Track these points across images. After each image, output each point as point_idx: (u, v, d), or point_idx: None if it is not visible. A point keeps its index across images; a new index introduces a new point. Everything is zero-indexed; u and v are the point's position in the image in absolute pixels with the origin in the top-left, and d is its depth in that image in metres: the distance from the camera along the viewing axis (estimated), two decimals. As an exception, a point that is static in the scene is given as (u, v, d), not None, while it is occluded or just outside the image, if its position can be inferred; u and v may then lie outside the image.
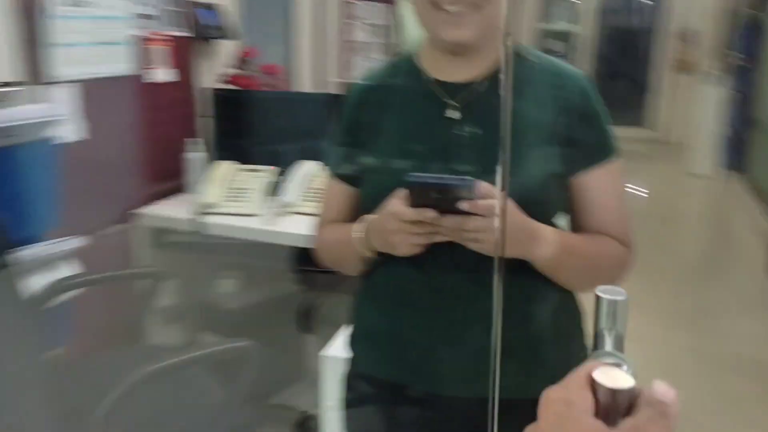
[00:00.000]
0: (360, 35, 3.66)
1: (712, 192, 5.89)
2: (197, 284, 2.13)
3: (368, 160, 1.04)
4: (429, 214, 0.86)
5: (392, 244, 0.92)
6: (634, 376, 0.50)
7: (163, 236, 2.04)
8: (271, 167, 2.11)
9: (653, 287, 3.71)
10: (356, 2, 3.55)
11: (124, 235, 1.97)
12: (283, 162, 2.15)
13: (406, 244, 0.91)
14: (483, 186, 0.86)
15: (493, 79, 0.99)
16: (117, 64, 1.87)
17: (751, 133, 5.48)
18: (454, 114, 0.98)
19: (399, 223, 0.89)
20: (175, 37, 2.12)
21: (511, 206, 0.89)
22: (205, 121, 2.27)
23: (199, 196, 2.00)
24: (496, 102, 0.97)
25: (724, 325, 3.31)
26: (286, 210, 1.99)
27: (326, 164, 1.13)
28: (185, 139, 2.15)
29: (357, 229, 1.00)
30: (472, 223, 0.86)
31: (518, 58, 1.01)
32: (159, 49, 2.05)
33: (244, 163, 2.14)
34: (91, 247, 1.75)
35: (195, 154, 2.15)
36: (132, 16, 1.93)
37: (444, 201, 0.86)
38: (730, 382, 2.76)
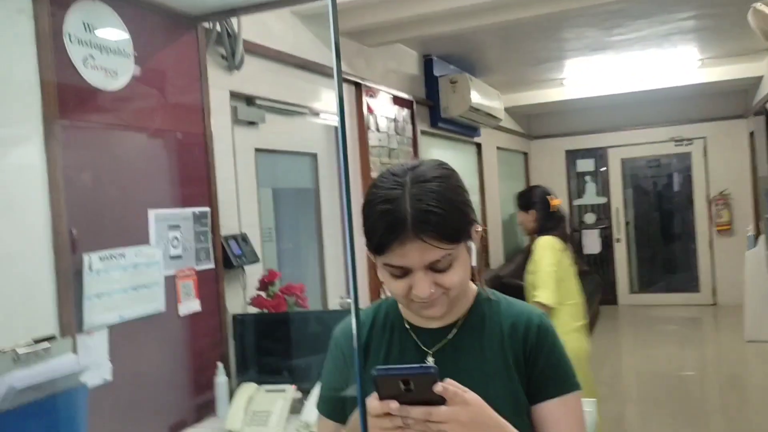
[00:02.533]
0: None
1: (775, 357, 5.59)
2: None
3: (353, 397, 1.12)
4: (393, 405, 0.89)
5: None
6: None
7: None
8: (293, 386, 2.18)
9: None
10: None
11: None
12: (304, 379, 2.22)
13: None
14: (449, 380, 0.92)
15: (461, 326, 1.12)
16: (148, 304, 2.06)
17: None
18: (429, 360, 1.10)
19: (371, 419, 0.92)
20: (201, 270, 2.32)
21: (481, 401, 0.94)
22: (232, 345, 2.40)
23: (222, 422, 2.06)
24: (465, 348, 1.08)
25: None
26: (309, 430, 2.02)
27: (317, 403, 1.21)
28: (216, 364, 2.27)
29: None
30: (437, 412, 0.89)
31: (483, 300, 1.15)
32: (187, 284, 2.24)
33: (268, 383, 2.22)
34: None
35: (221, 378, 2.25)
36: (165, 259, 2.15)
37: (410, 392, 0.90)
38: None
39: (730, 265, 7.26)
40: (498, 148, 6.96)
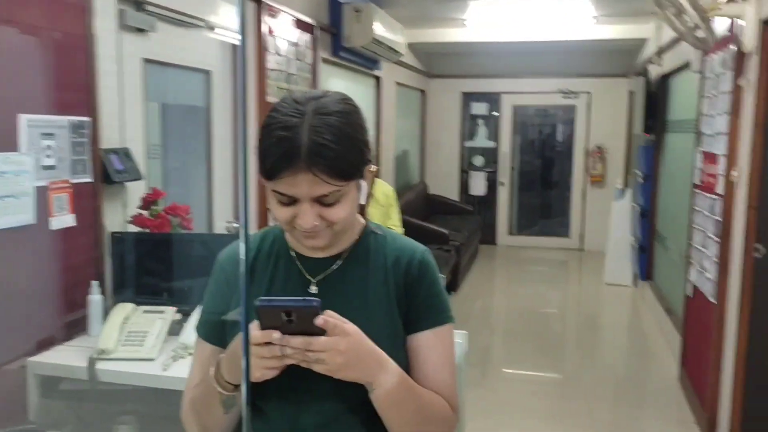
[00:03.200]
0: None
1: (627, 299, 6.17)
2: (90, 433, 2.07)
3: (234, 324, 1.12)
4: (275, 335, 0.92)
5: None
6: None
7: (57, 384, 2.01)
8: (172, 308, 2.15)
9: (578, 397, 3.81)
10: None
11: (11, 383, 1.93)
12: (185, 302, 2.19)
13: (257, 368, 0.95)
14: (329, 312, 0.95)
15: (347, 257, 1.13)
16: (16, 215, 1.92)
17: (654, 243, 5.85)
18: (312, 289, 1.11)
19: (250, 348, 0.93)
20: (78, 183, 2.19)
21: (360, 332, 0.98)
22: (109, 263, 2.30)
23: (95, 341, 2.00)
24: (349, 279, 1.11)
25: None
26: (187, 352, 2.00)
27: (196, 326, 1.20)
28: (90, 282, 2.18)
29: (212, 367, 1.04)
30: (316, 342, 0.92)
31: (369, 234, 1.17)
32: (61, 197, 2.11)
33: (147, 304, 2.17)
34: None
35: (95, 297, 2.16)
36: (36, 169, 2.00)
37: (292, 323, 0.92)
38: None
39: (599, 214, 7.83)
40: (398, 83, 6.96)
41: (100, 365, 1.93)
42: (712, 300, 3.34)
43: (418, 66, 7.93)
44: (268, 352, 0.94)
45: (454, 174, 8.76)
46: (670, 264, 5.15)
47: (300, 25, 4.09)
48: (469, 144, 8.80)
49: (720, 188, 3.26)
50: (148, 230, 2.35)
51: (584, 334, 5.46)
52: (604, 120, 8.10)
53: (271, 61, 3.69)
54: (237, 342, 0.99)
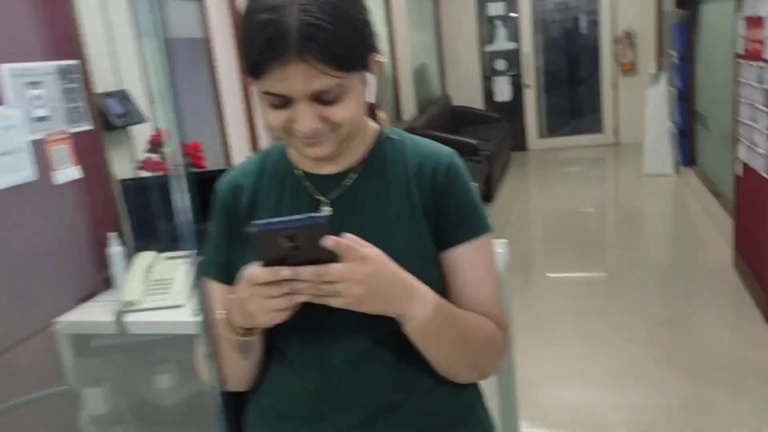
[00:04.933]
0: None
1: (669, 188, 5.93)
2: (130, 386, 2.04)
3: (242, 258, 0.99)
4: (284, 272, 0.78)
5: (251, 315, 0.84)
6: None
7: (89, 341, 1.95)
8: (195, 251, 2.05)
9: (627, 294, 3.68)
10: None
11: (42, 347, 1.88)
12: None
13: (265, 312, 0.82)
14: (346, 234, 0.80)
15: (361, 170, 0.98)
16: (13, 173, 1.81)
17: (695, 127, 5.54)
18: (325, 209, 0.96)
19: (252, 288, 0.81)
20: (77, 132, 2.06)
21: (382, 255, 0.83)
22: (125, 213, 2.21)
23: (120, 294, 1.93)
24: (365, 194, 0.96)
25: (695, 333, 3.28)
26: (215, 293, 1.92)
27: (201, 265, 1.08)
28: (107, 234, 2.09)
29: (220, 310, 0.92)
30: (330, 270, 0.78)
31: (385, 140, 1.00)
32: (61, 148, 1.99)
33: (168, 250, 2.08)
34: (6, 365, 1.66)
35: (115, 249, 2.08)
36: (28, 122, 1.87)
37: (298, 249, 0.77)
38: (702, 392, 2.72)
39: (633, 104, 7.46)
40: (406, -8, 6.58)
41: (130, 317, 1.86)
42: (766, 176, 3.11)
43: (426, -29, 7.48)
44: (276, 290, 0.79)
45: (477, 82, 8.40)
46: (713, 146, 4.87)
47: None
48: (489, 48, 8.39)
49: (767, 53, 2.97)
50: (160, 173, 2.23)
51: (627, 229, 5.27)
52: (630, 2, 7.59)
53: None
54: (239, 283, 0.85)
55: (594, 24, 7.96)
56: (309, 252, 0.77)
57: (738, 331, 3.23)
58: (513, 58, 8.30)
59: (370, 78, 0.90)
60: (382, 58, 0.93)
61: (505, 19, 8.25)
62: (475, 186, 0.99)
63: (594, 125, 8.27)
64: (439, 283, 0.95)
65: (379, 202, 0.95)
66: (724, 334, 3.24)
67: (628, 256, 4.58)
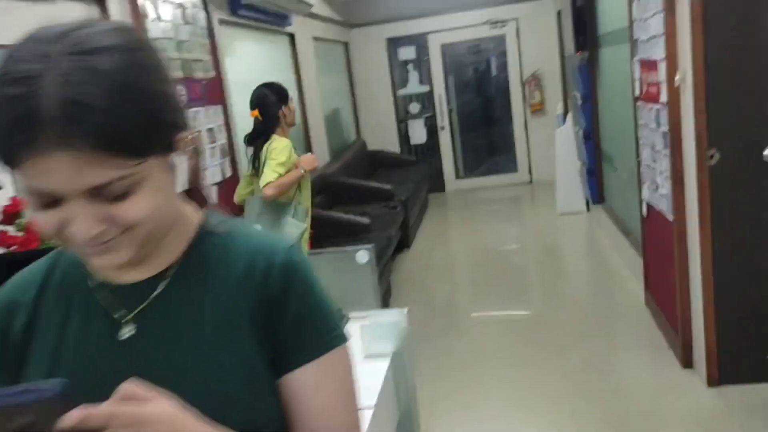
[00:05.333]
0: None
1: (582, 226, 6.01)
2: None
3: None
4: None
5: None
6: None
7: None
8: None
9: (547, 334, 3.60)
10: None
11: None
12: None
13: None
14: (125, 387, 0.59)
15: (174, 274, 0.77)
16: None
17: (601, 166, 5.67)
18: (124, 333, 0.75)
19: None
20: None
21: (175, 414, 0.61)
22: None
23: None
24: (178, 306, 0.74)
25: (612, 378, 3.22)
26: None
27: None
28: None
29: None
30: None
31: (208, 235, 0.80)
32: None
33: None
34: None
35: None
36: None
37: (34, 426, 0.54)
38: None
39: (544, 143, 7.62)
40: (315, 38, 6.51)
41: None
42: (669, 217, 3.13)
43: (336, 17, 7.47)
44: None
45: (392, 125, 8.41)
46: (620, 183, 4.96)
47: (184, -16, 3.63)
48: (402, 92, 8.43)
49: (664, 96, 3.01)
50: (13, 249, 1.95)
51: (545, 267, 5.27)
52: (535, 46, 7.83)
53: (155, 29, 3.24)
54: None
55: (503, 66, 8.16)
56: (45, 426, 0.54)
57: (655, 374, 3.19)
58: (427, 100, 8.36)
59: (178, 161, 0.72)
60: (194, 134, 0.75)
61: (417, 62, 8.33)
62: (322, 287, 0.80)
63: (508, 165, 8.39)
64: (276, 417, 0.76)
65: (193, 315, 0.75)
66: (642, 378, 3.19)
67: (547, 295, 4.56)
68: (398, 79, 8.40)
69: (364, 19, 8.09)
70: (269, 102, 3.24)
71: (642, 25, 3.28)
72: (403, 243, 5.82)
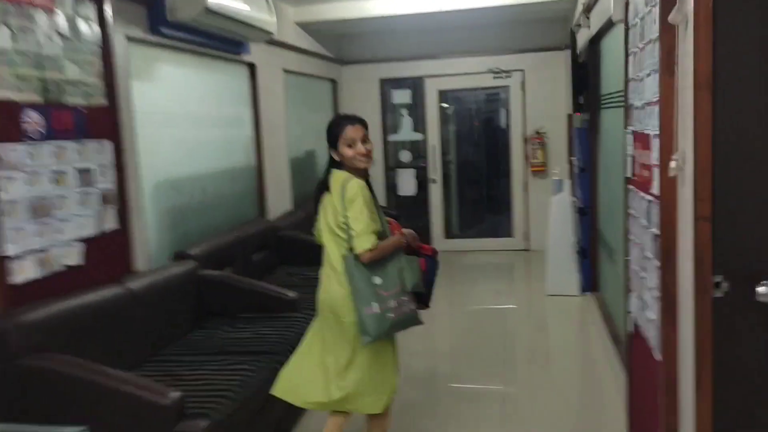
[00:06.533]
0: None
1: (573, 313, 5.08)
2: None
3: None
4: None
5: None
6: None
7: None
8: None
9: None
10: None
11: None
12: None
13: None
14: None
15: None
16: None
17: (597, 248, 4.77)
18: None
19: None
20: None
21: None
22: None
23: None
24: None
25: None
26: None
27: None
28: None
29: None
30: None
31: None
32: None
33: None
34: None
35: None
36: None
37: None
38: None
39: (544, 208, 6.75)
40: (287, 71, 5.78)
41: None
42: (656, 356, 2.24)
43: (323, 51, 6.76)
44: None
45: (379, 173, 7.59)
46: (615, 275, 4.07)
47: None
48: (393, 138, 7.65)
49: (655, 186, 2.16)
50: None
51: (528, 367, 4.33)
52: (541, 100, 7.02)
53: None
54: None
55: (506, 118, 7.36)
56: None
57: None
58: (419, 150, 7.57)
59: None
60: None
61: (411, 107, 7.57)
62: None
63: (503, 228, 7.52)
64: None
65: None
66: None
67: (534, 378, 3.64)
68: (390, 124, 7.64)
69: (357, 57, 7.37)
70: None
71: (637, 86, 2.44)
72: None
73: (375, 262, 2.47)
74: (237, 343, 3.20)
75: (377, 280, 2.47)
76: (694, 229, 1.84)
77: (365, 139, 2.58)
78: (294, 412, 3.22)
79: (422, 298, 2.72)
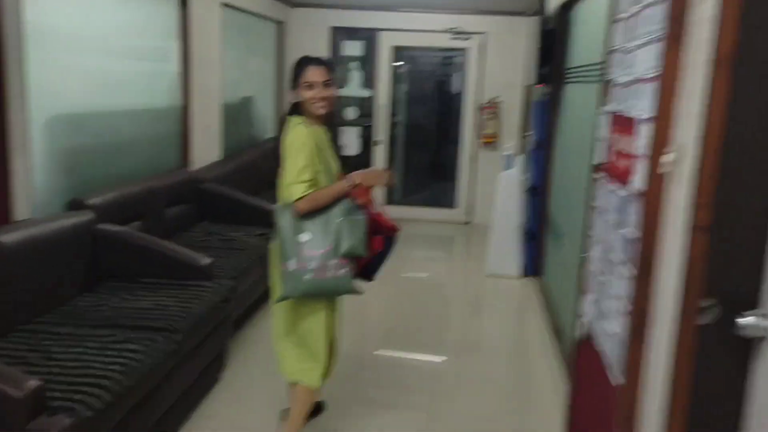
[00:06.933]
0: None
1: (513, 295, 4.81)
2: None
3: None
4: None
5: None
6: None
7: None
8: None
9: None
10: None
11: None
12: None
13: None
14: None
15: None
16: None
17: (545, 232, 4.49)
18: None
19: None
20: None
21: None
22: None
23: None
24: None
25: None
26: None
27: None
28: None
29: None
30: None
31: None
32: None
33: None
34: None
35: None
36: None
37: None
38: None
39: (492, 182, 6.44)
40: (226, 5, 5.16)
41: None
42: (613, 379, 1.92)
43: (270, -12, 6.13)
44: None
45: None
46: (563, 264, 3.78)
47: None
48: (339, 93, 7.12)
49: (639, 180, 1.80)
50: None
51: (459, 344, 4.03)
52: (500, 68, 6.64)
53: None
54: None
55: (460, 82, 6.94)
56: None
57: None
58: (366, 108, 7.09)
59: None
60: None
61: (361, 61, 7.05)
62: None
63: (447, 198, 7.19)
64: None
65: None
66: None
67: (458, 354, 3.32)
68: (337, 77, 7.11)
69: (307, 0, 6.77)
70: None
71: (623, 58, 2.06)
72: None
73: (309, 216, 2.25)
74: (130, 314, 2.72)
75: (304, 237, 2.25)
76: (687, 240, 1.49)
77: (329, 84, 2.35)
78: (182, 410, 2.79)
79: (368, 270, 2.50)
